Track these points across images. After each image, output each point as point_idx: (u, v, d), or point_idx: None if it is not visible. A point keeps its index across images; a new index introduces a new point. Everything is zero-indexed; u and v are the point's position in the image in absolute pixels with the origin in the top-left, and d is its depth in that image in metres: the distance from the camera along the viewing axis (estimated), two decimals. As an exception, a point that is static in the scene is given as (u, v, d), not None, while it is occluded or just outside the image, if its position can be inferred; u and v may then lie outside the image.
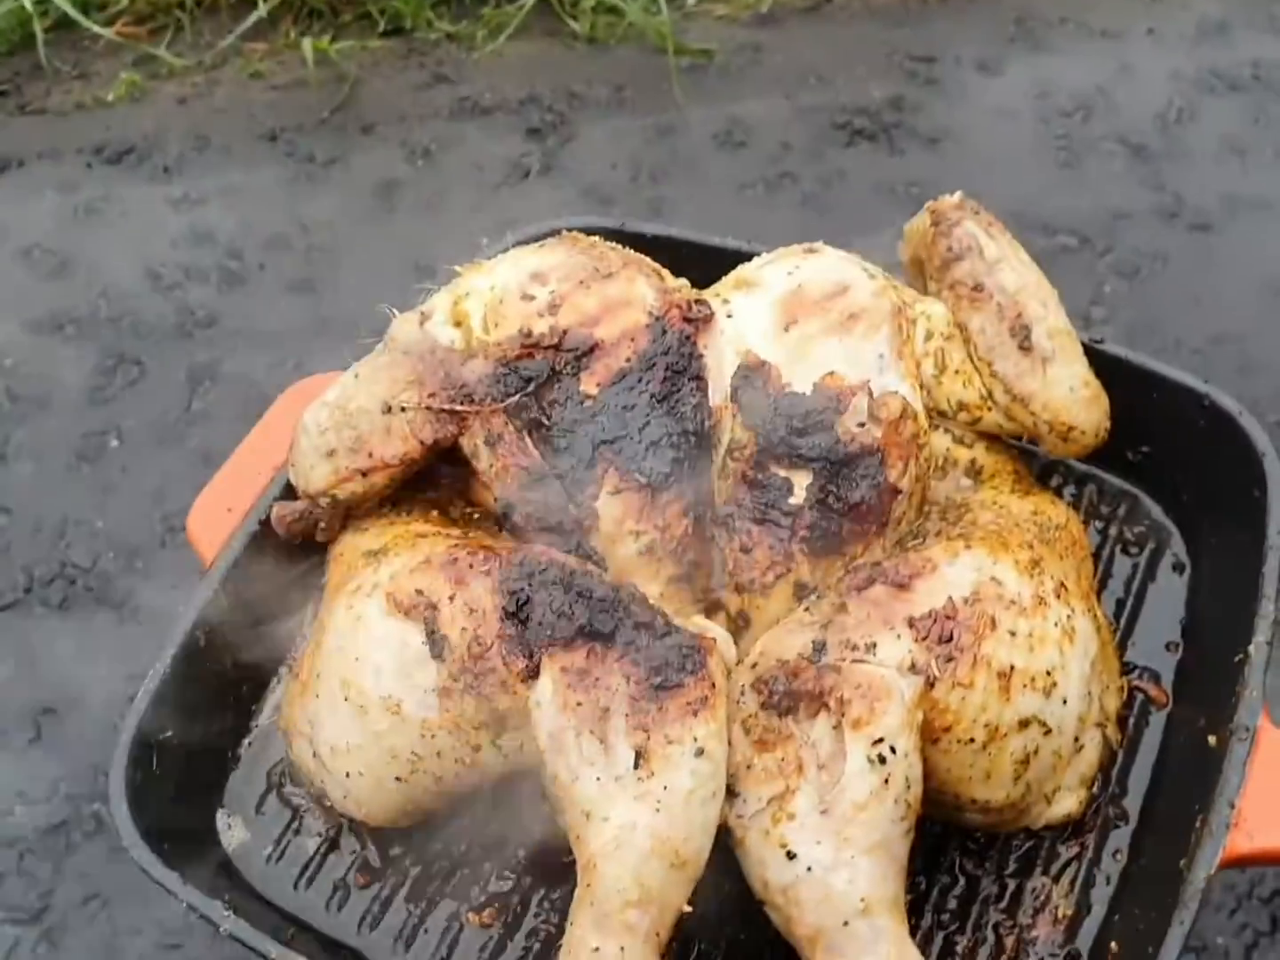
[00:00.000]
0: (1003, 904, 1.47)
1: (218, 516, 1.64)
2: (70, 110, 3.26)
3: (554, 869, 1.45)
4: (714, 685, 1.35)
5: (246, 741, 1.61)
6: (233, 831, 1.54)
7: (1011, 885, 1.49)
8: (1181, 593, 1.68)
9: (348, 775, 1.45)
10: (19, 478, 2.47)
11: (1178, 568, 1.71)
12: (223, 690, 1.57)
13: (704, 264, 1.73)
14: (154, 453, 2.50)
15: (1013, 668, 1.39)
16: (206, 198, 3.00)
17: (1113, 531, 1.74)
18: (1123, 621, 1.66)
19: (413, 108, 3.17)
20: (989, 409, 1.62)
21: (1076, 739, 1.47)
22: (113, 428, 2.55)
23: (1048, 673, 1.42)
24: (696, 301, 1.60)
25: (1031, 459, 1.73)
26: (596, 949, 1.25)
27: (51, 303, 2.80)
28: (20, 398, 2.61)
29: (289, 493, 1.63)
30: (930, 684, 1.37)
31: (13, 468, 2.49)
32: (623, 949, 1.25)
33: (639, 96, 3.15)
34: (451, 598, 1.39)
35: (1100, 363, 1.63)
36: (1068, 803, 1.50)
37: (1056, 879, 1.48)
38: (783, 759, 1.36)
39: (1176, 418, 1.69)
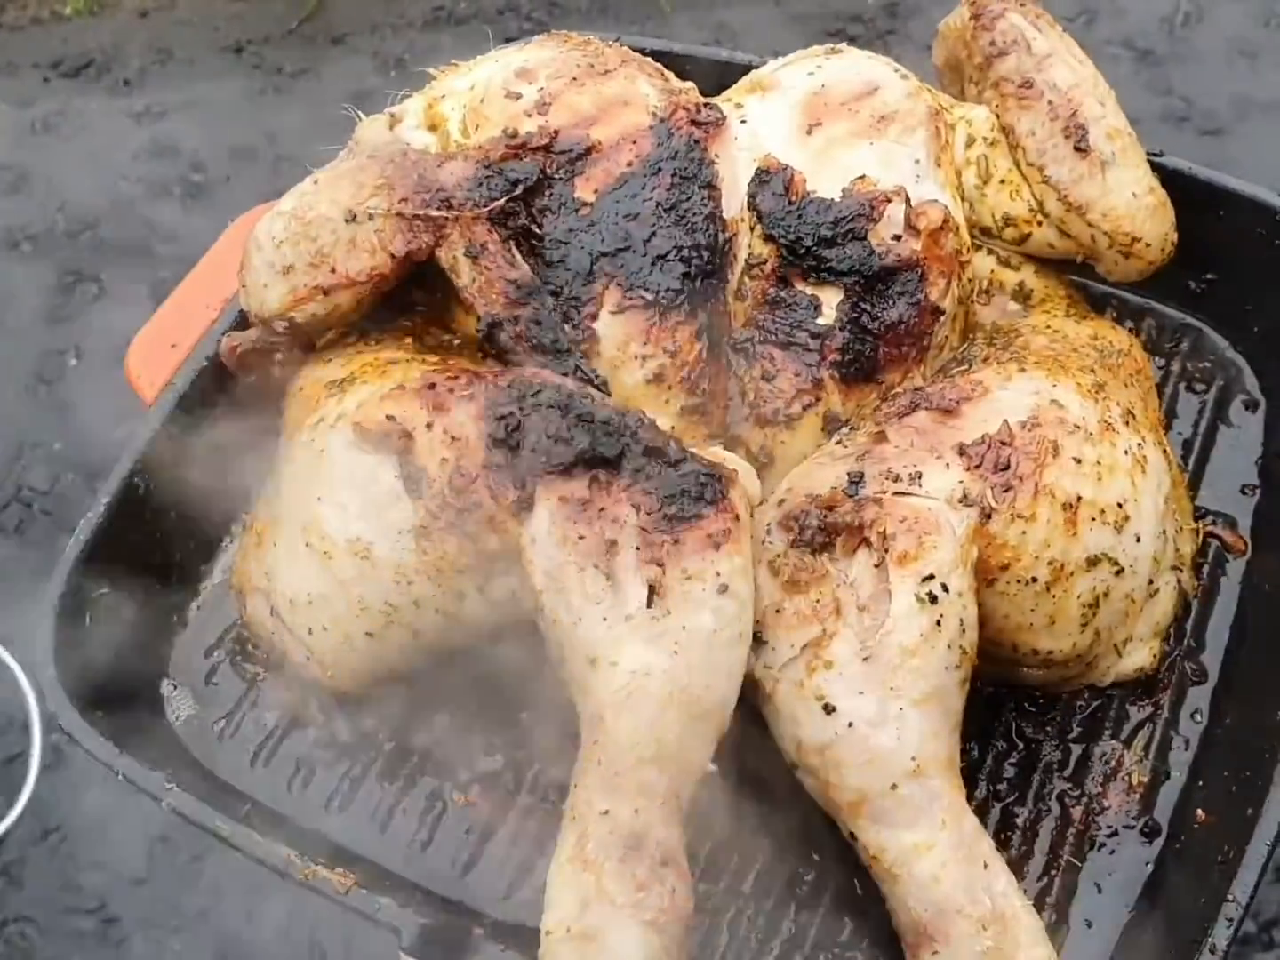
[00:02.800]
0: (1068, 771, 1.30)
1: (160, 353, 1.44)
2: (26, 24, 3.19)
3: (553, 742, 1.25)
4: (738, 518, 1.17)
5: (195, 605, 1.42)
6: (179, 703, 1.35)
7: (1077, 750, 1.31)
8: (1257, 431, 1.50)
9: (310, 632, 1.26)
10: (-29, 400, 2.37)
11: (1250, 405, 1.52)
12: (168, 547, 1.38)
13: (712, 81, 1.52)
14: (115, 373, 2.43)
15: (1079, 498, 1.21)
16: (169, 111, 2.89)
17: (1175, 368, 1.56)
18: (1191, 464, 1.48)
19: (385, 17, 3.07)
20: (1039, 223, 1.44)
21: (1151, 582, 1.29)
22: (71, 347, 2.47)
23: (1119, 505, 1.24)
24: (705, 104, 1.40)
25: (1082, 293, 1.53)
26: (606, 812, 1.06)
27: (7, 219, 2.72)
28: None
29: (243, 325, 1.42)
30: (985, 517, 1.19)
31: (-35, 389, 2.40)
32: (637, 812, 1.06)
33: (623, 3, 3.02)
34: (429, 425, 1.20)
35: (1160, 178, 1.45)
36: (1140, 655, 1.32)
37: (1128, 743, 1.31)
38: (818, 601, 1.18)
39: (1245, 239, 1.50)
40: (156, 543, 1.36)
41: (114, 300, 2.56)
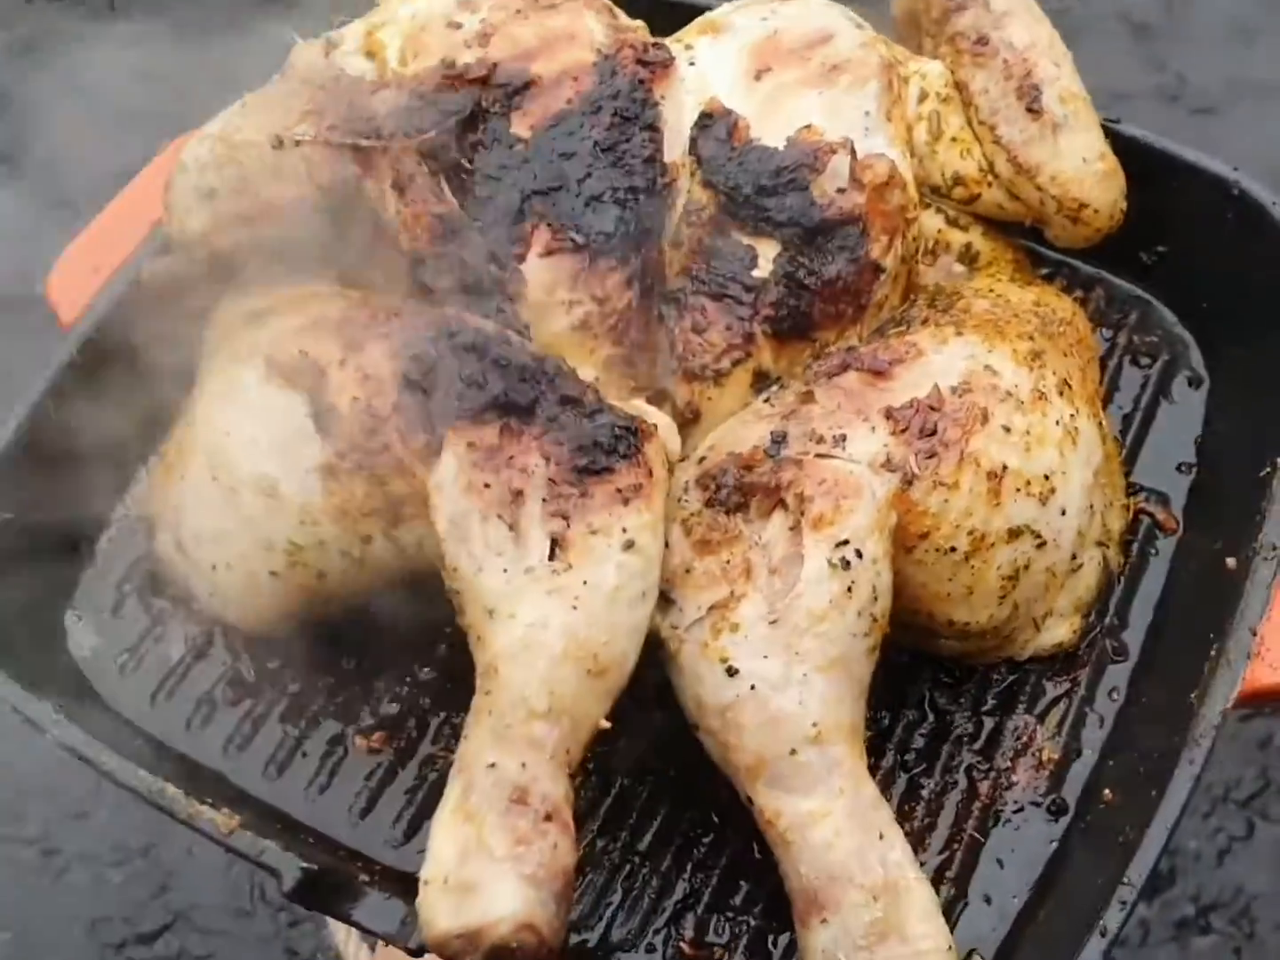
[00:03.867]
0: (978, 744, 1.27)
1: (82, 277, 1.40)
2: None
3: (458, 691, 1.22)
4: (651, 474, 1.14)
5: (105, 536, 1.38)
6: (83, 635, 1.32)
7: (989, 724, 1.28)
8: (1198, 409, 1.46)
9: (214, 569, 1.23)
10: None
11: (1194, 382, 1.49)
12: (77, 474, 1.34)
13: (665, 21, 1.48)
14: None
15: (1005, 468, 1.19)
16: (154, 35, 2.79)
17: (1121, 340, 1.52)
18: (1129, 439, 1.45)
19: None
20: (989, 184, 1.40)
21: (1074, 556, 1.27)
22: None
23: (1045, 476, 1.21)
24: (654, 44, 1.36)
25: (1032, 261, 1.50)
26: (493, 765, 1.04)
27: None
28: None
29: (167, 251, 1.38)
30: (908, 483, 1.17)
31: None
32: (524, 765, 1.04)
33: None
34: (342, 362, 1.17)
35: (1115, 146, 1.41)
36: (1060, 630, 1.29)
37: (1042, 718, 1.28)
38: (728, 562, 1.15)
39: (1198, 211, 1.47)
40: (67, 471, 1.32)
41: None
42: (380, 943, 1.93)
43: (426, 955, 1.06)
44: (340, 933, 1.68)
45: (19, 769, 2.02)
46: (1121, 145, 1.42)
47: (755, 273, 1.27)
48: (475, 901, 0.99)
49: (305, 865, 1.09)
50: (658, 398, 1.28)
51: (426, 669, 1.30)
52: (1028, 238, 1.47)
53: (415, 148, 1.26)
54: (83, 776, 2.60)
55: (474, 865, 1.00)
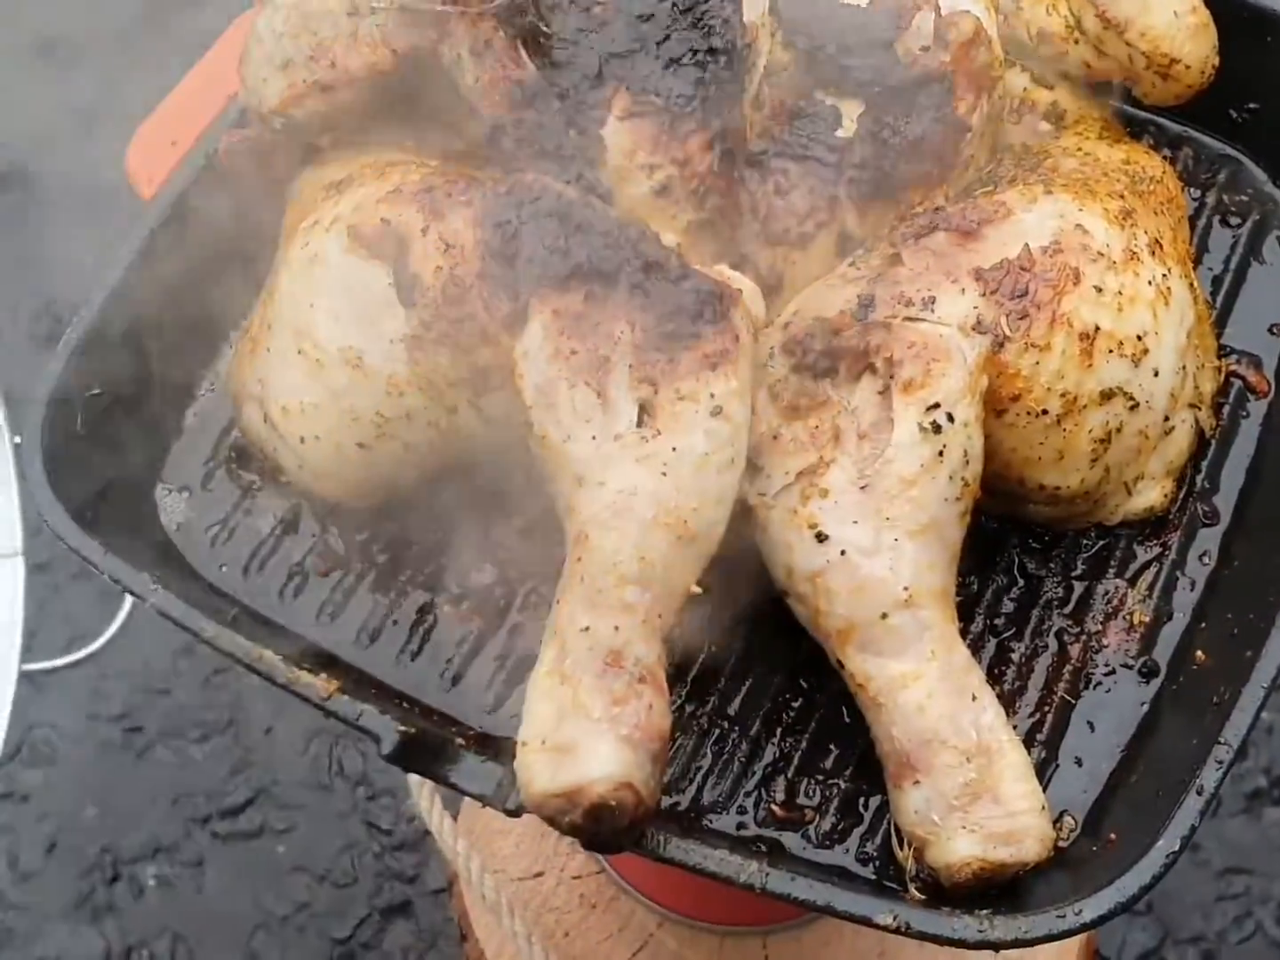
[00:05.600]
0: (1068, 609, 1.26)
1: (161, 151, 1.40)
2: None
3: (545, 560, 1.23)
4: (737, 339, 1.13)
5: (192, 410, 1.38)
6: (174, 509, 1.33)
7: (1079, 588, 1.27)
8: (1290, 270, 1.42)
9: (303, 440, 1.24)
10: None
11: (1287, 242, 1.45)
12: (165, 349, 1.34)
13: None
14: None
15: (1097, 329, 1.17)
16: None
17: (1210, 200, 1.48)
18: (1220, 300, 1.41)
19: None
20: (1076, 40, 1.36)
21: (1166, 419, 1.25)
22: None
23: (1138, 337, 1.19)
24: (733, -100, 1.31)
25: (1119, 117, 1.46)
26: (587, 628, 1.05)
27: None
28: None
29: (244, 123, 1.37)
30: (999, 345, 1.15)
31: None
32: (617, 629, 1.05)
33: None
34: (425, 231, 1.16)
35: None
36: (1151, 494, 1.28)
37: (1133, 582, 1.27)
38: (816, 427, 1.14)
39: (1293, 69, 1.41)
40: (153, 346, 1.33)
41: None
42: (462, 811, 1.98)
43: (523, 815, 1.08)
44: (424, 802, 1.71)
45: (99, 650, 2.06)
46: (1212, -1, 1.37)
47: (839, 133, 1.25)
48: (573, 762, 1.00)
49: (402, 729, 1.11)
50: (741, 263, 1.26)
51: (512, 539, 1.30)
52: (1114, 96, 1.43)
53: (492, 12, 1.24)
54: (161, 655, 2.68)
55: (571, 726, 1.01)
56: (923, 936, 1.05)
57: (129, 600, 1.97)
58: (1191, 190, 1.48)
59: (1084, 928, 1.04)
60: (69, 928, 2.49)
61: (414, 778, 1.67)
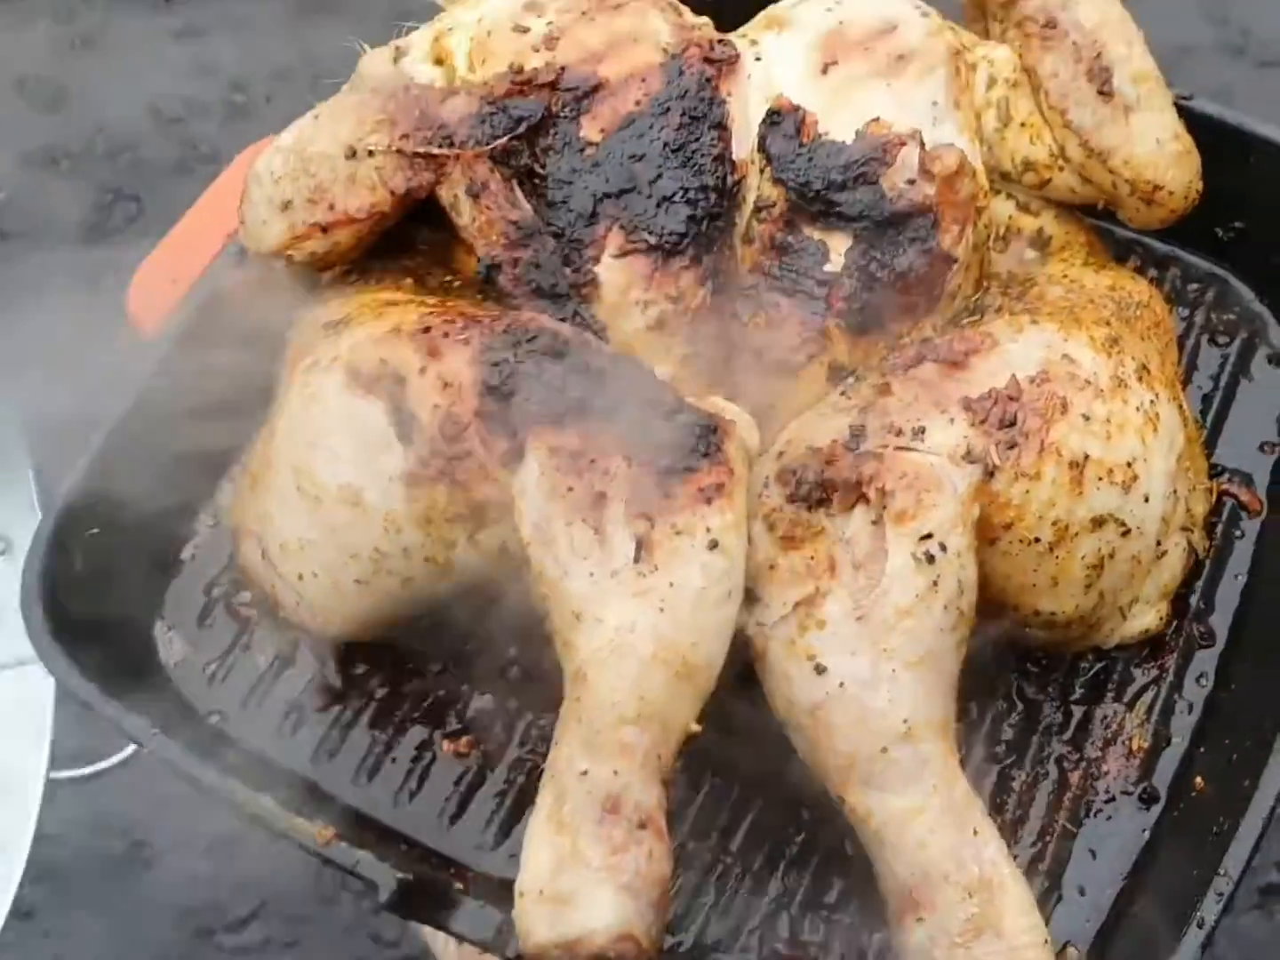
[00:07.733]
0: (1067, 734, 1.27)
1: (161, 289, 1.42)
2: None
3: (545, 692, 1.23)
4: (732, 472, 1.14)
5: (191, 546, 1.40)
6: (173, 646, 1.34)
7: (1078, 713, 1.28)
8: (1279, 387, 1.44)
9: (300, 578, 1.25)
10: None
11: (1274, 359, 1.47)
12: (163, 487, 1.35)
13: (728, 12, 1.47)
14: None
15: (1086, 457, 1.18)
16: (209, 29, 2.82)
17: (1199, 319, 1.51)
18: (1210, 419, 1.43)
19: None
20: (1060, 169, 1.38)
21: (1158, 543, 1.26)
22: (111, 267, 2.51)
23: (1128, 464, 1.20)
24: (719, 41, 1.36)
25: (1105, 240, 1.48)
26: (585, 772, 1.05)
27: (47, 136, 2.67)
28: (13, 234, 2.50)
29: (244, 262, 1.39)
30: (989, 474, 1.16)
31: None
32: (616, 773, 1.04)
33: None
34: (422, 370, 1.17)
35: (1188, 123, 1.38)
36: (1146, 618, 1.29)
37: (1131, 706, 1.28)
38: (812, 558, 1.15)
39: (1276, 187, 1.44)
40: (152, 482, 1.34)
41: (153, 220, 2.50)
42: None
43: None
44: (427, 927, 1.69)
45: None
46: (1195, 122, 1.39)
47: (827, 267, 1.27)
48: (573, 913, 1.00)
49: (401, 876, 1.10)
50: (733, 393, 1.28)
51: (511, 671, 1.30)
52: (1100, 218, 1.46)
53: (488, 154, 1.27)
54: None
55: (570, 876, 1.01)
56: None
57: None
58: (1180, 309, 1.51)
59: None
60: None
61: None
